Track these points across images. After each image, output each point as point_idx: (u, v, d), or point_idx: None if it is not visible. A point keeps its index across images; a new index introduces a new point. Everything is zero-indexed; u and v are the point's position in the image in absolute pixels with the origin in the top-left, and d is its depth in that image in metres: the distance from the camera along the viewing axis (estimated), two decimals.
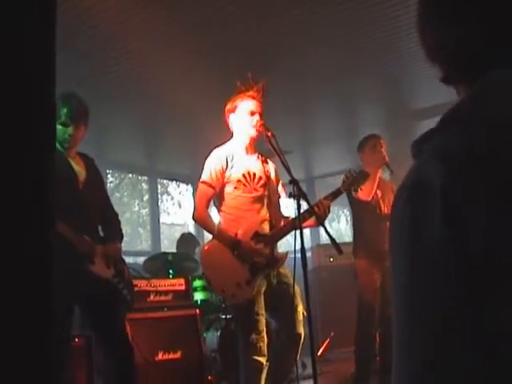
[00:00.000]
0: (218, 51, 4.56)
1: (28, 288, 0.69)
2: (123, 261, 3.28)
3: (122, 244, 3.33)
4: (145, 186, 12.50)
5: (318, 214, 3.10)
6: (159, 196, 10.85)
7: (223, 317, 4.83)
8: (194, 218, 3.27)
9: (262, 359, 3.06)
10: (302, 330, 3.17)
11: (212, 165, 3.23)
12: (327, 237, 2.98)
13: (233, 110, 3.31)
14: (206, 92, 4.92)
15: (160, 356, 4.09)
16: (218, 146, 3.33)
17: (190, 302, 4.66)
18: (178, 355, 4.18)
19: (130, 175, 12.45)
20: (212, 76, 4.79)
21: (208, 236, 3.43)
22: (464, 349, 0.57)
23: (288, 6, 4.00)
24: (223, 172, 3.21)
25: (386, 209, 4.16)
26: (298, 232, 2.94)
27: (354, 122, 6.61)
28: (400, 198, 0.65)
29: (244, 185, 3.21)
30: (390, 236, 0.66)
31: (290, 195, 3.04)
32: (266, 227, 3.24)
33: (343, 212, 15.10)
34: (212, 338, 4.79)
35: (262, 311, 3.11)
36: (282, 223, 3.31)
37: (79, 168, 3.12)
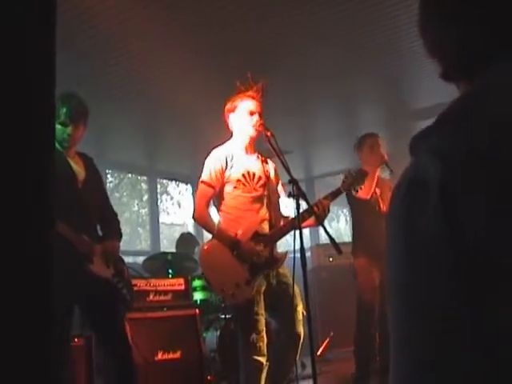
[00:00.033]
0: (217, 51, 4.56)
1: (28, 288, 0.69)
2: (122, 260, 3.28)
3: (122, 244, 3.34)
4: (144, 185, 12.50)
5: (317, 214, 3.10)
6: (159, 196, 10.85)
7: (223, 317, 4.83)
8: (194, 218, 3.28)
9: (262, 359, 3.06)
10: (301, 329, 3.17)
11: (212, 165, 3.23)
12: (327, 237, 2.98)
13: (232, 110, 3.31)
14: (206, 92, 4.92)
15: (159, 356, 4.09)
16: (217, 146, 3.33)
17: (189, 301, 4.67)
18: (177, 355, 4.18)
19: (130, 175, 12.44)
20: (212, 76, 4.79)
21: (207, 236, 3.43)
22: (464, 349, 0.57)
23: (288, 6, 4.00)
24: (223, 172, 3.21)
25: (384, 207, 4.16)
26: (297, 232, 2.94)
27: (353, 122, 6.61)
28: (397, 194, 0.65)
29: (244, 184, 3.21)
30: (387, 233, 0.66)
31: (290, 195, 3.04)
32: (266, 227, 3.24)
33: (342, 212, 15.10)
34: (211, 337, 4.79)
35: (262, 311, 3.11)
36: (282, 223, 3.31)
37: (78, 168, 3.12)
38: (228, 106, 3.33)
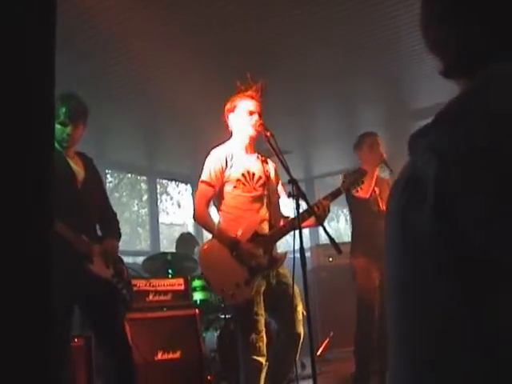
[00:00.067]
0: (217, 51, 4.56)
1: (28, 288, 0.69)
2: (122, 261, 3.28)
3: (121, 244, 3.33)
4: (144, 185, 12.50)
5: (317, 214, 3.10)
6: (158, 196, 10.86)
7: (222, 317, 4.82)
8: (194, 218, 3.28)
9: (262, 359, 3.06)
10: (301, 329, 3.17)
11: (211, 164, 3.23)
12: (326, 237, 2.98)
13: (232, 110, 3.31)
14: (206, 92, 4.92)
15: (159, 356, 4.09)
16: (217, 146, 3.33)
17: (189, 301, 4.66)
18: (177, 355, 4.17)
19: (130, 175, 12.45)
20: (212, 76, 4.79)
21: (207, 236, 3.43)
22: (464, 349, 0.57)
23: (288, 6, 4.00)
24: (223, 171, 3.21)
25: (384, 206, 4.16)
26: (297, 232, 2.94)
27: (353, 122, 6.61)
28: (395, 192, 0.65)
29: (243, 184, 3.21)
30: (386, 231, 0.66)
31: (289, 195, 3.04)
32: (266, 227, 3.24)
33: (342, 212, 15.10)
34: (211, 337, 4.79)
35: (262, 311, 3.11)
36: (282, 223, 3.31)
37: (78, 168, 3.12)
38: (228, 106, 3.33)
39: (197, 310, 4.47)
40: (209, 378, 4.29)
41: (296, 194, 2.98)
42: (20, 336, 0.67)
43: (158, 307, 4.39)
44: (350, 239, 4.46)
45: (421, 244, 0.60)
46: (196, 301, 4.94)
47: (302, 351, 3.21)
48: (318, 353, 5.56)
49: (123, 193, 14.36)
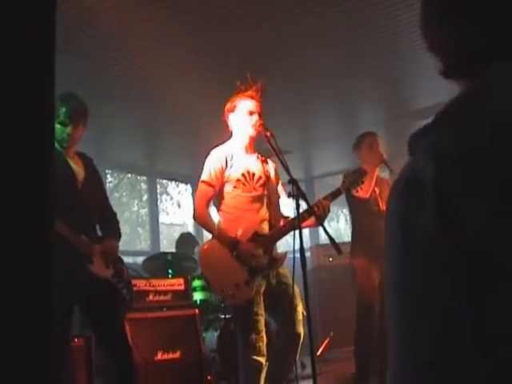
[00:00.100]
0: (217, 51, 4.56)
1: (28, 288, 0.68)
2: (122, 260, 3.28)
3: (121, 244, 3.33)
4: (144, 185, 12.50)
5: (317, 214, 3.10)
6: (158, 196, 10.86)
7: (222, 317, 4.82)
8: (194, 218, 3.28)
9: (262, 359, 3.06)
10: (301, 329, 3.17)
11: (211, 164, 3.23)
12: (326, 237, 2.98)
13: (232, 110, 3.31)
14: (206, 92, 4.92)
15: (159, 356, 4.09)
16: (217, 146, 3.33)
17: (189, 301, 4.66)
18: (177, 355, 4.17)
19: (130, 175, 12.45)
20: (212, 76, 4.79)
21: (207, 236, 3.43)
22: (464, 349, 0.56)
23: (288, 6, 4.00)
24: (223, 171, 3.21)
25: (384, 206, 4.15)
26: (297, 232, 2.94)
27: (353, 122, 6.61)
28: (394, 193, 0.65)
29: (243, 184, 3.21)
30: (385, 231, 0.66)
31: (289, 195, 3.04)
32: (266, 227, 3.24)
33: (342, 212, 15.10)
34: (211, 337, 4.78)
35: (262, 311, 3.11)
36: (282, 223, 3.31)
37: (78, 168, 3.12)
38: (227, 106, 3.33)
39: (197, 310, 4.47)
40: (209, 378, 4.29)
41: (296, 194, 2.98)
42: (20, 336, 0.67)
43: (158, 307, 4.39)
44: (350, 239, 4.46)
45: (421, 245, 0.60)
46: (196, 301, 4.94)
47: (301, 351, 3.21)
48: (318, 353, 5.56)
49: (123, 193, 14.36)
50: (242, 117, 3.26)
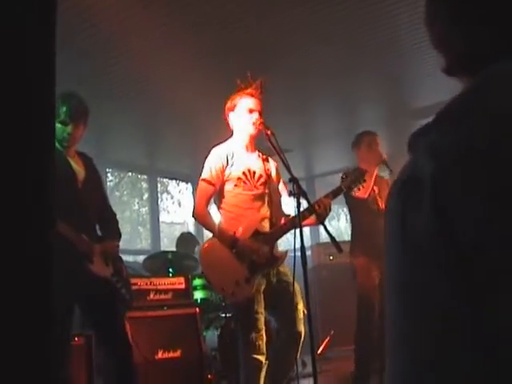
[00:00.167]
0: (218, 50, 4.56)
1: (28, 288, 0.69)
2: (121, 259, 3.28)
3: (122, 243, 3.34)
4: (144, 184, 12.49)
5: (318, 213, 3.10)
6: (159, 195, 10.85)
7: (223, 315, 4.82)
8: (194, 216, 3.28)
9: (262, 358, 3.06)
10: (302, 328, 3.17)
11: (212, 163, 3.23)
12: (327, 235, 2.97)
13: (232, 109, 3.31)
14: (207, 91, 4.92)
15: (160, 355, 4.09)
16: (218, 145, 3.33)
17: (189, 300, 4.66)
18: (177, 354, 4.17)
19: (130, 174, 12.44)
20: (212, 75, 4.79)
21: (208, 235, 3.43)
22: (464, 349, 0.56)
23: (289, 4, 4.00)
24: (223, 170, 3.21)
25: (383, 205, 4.15)
26: (297, 230, 2.94)
27: (354, 121, 6.61)
28: (394, 191, 0.65)
29: (244, 182, 3.21)
30: (385, 230, 0.66)
31: (290, 193, 3.04)
32: (267, 225, 3.24)
33: (343, 210, 15.08)
34: (212, 336, 4.78)
35: (262, 310, 3.11)
36: (283, 221, 3.31)
37: (78, 167, 3.12)
38: (228, 105, 3.33)
39: (197, 309, 4.47)
40: (209, 376, 4.29)
41: (297, 193, 2.97)
42: (20, 336, 0.67)
43: (159, 306, 4.39)
44: (350, 238, 4.46)
45: (420, 244, 0.60)
46: (196, 299, 4.94)
47: (302, 349, 3.21)
48: (319, 351, 5.57)
49: (124, 192, 14.35)
50: (243, 115, 3.26)
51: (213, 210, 3.34)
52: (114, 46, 4.37)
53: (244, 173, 3.22)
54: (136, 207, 14.74)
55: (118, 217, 3.40)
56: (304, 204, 3.07)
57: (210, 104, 4.14)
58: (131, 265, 3.86)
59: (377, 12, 4.18)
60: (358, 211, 4.26)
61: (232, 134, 3.37)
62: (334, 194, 3.31)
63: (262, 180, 3.26)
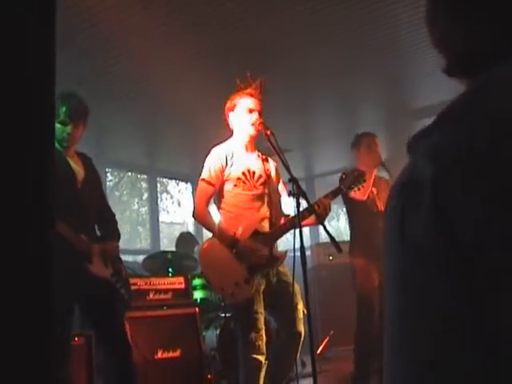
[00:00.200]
0: (218, 50, 4.56)
1: (28, 288, 0.68)
2: (120, 260, 3.28)
3: (122, 242, 3.34)
4: (144, 184, 12.49)
5: (318, 213, 3.10)
6: (159, 195, 10.85)
7: (223, 315, 4.83)
8: (193, 216, 3.28)
9: (261, 358, 3.06)
10: (301, 328, 3.17)
11: (212, 163, 3.23)
12: (327, 235, 2.98)
13: (232, 109, 3.31)
14: (206, 91, 4.92)
15: (159, 354, 4.09)
16: (217, 145, 3.33)
17: (189, 300, 4.66)
18: (177, 354, 4.18)
19: (130, 174, 12.44)
20: (212, 75, 4.79)
21: (207, 235, 3.43)
22: (464, 349, 0.56)
23: (289, 3, 4.00)
24: (223, 170, 3.21)
25: (382, 206, 4.15)
26: (297, 230, 2.94)
27: (354, 121, 6.61)
28: (393, 194, 0.65)
29: (244, 182, 3.21)
30: (384, 230, 0.66)
31: (290, 193, 3.04)
32: (266, 225, 3.24)
33: (342, 210, 15.07)
34: (211, 336, 4.78)
35: (261, 310, 3.11)
36: (282, 221, 3.31)
37: (78, 167, 3.12)
38: (227, 105, 3.33)
39: (197, 309, 4.47)
40: (209, 376, 4.30)
41: (296, 193, 2.97)
42: (20, 336, 0.67)
43: (158, 306, 4.39)
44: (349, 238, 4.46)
45: (420, 244, 0.60)
46: (196, 299, 4.95)
47: (302, 349, 3.21)
48: (318, 351, 5.57)
49: (123, 191, 14.35)
50: (242, 115, 3.26)
51: (213, 210, 3.34)
52: (114, 46, 4.37)
53: (244, 173, 3.22)
54: (136, 207, 14.74)
55: (117, 217, 3.40)
56: (304, 204, 3.07)
57: (210, 104, 4.14)
58: (131, 265, 3.85)
59: (377, 12, 4.18)
60: (357, 212, 4.25)
61: (232, 134, 3.37)
62: (334, 194, 3.31)
63: (262, 180, 3.27)
